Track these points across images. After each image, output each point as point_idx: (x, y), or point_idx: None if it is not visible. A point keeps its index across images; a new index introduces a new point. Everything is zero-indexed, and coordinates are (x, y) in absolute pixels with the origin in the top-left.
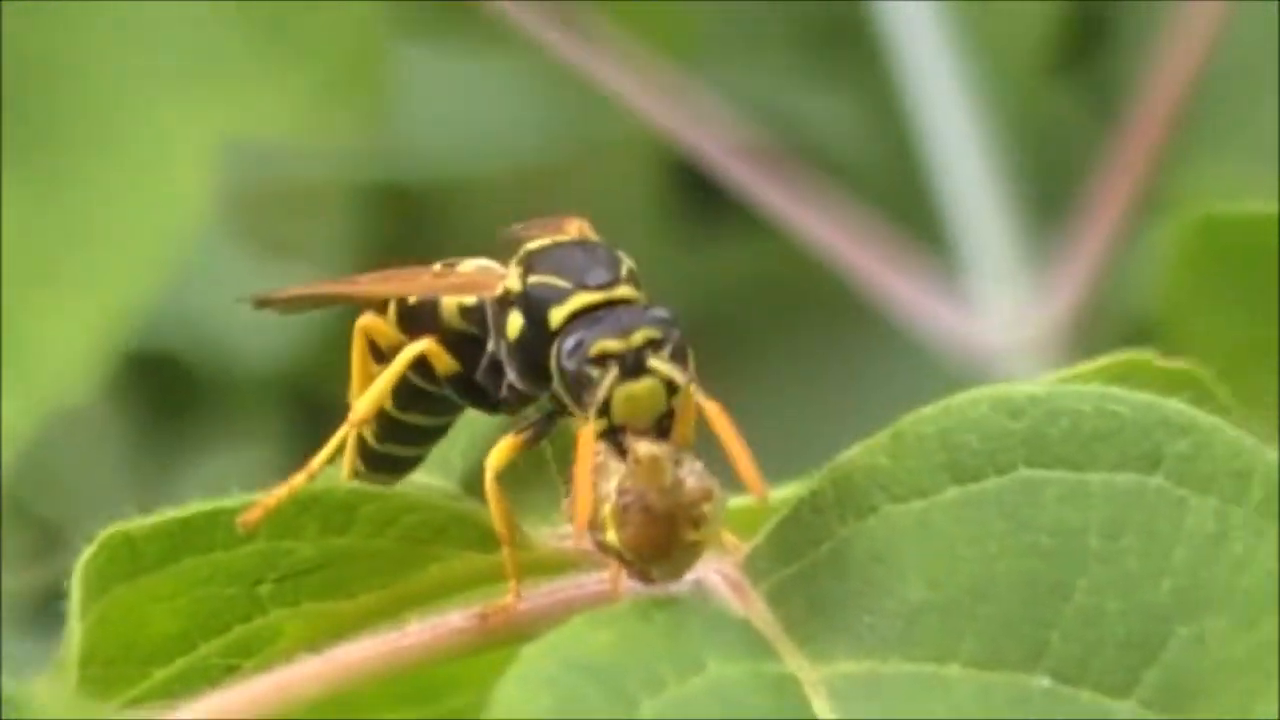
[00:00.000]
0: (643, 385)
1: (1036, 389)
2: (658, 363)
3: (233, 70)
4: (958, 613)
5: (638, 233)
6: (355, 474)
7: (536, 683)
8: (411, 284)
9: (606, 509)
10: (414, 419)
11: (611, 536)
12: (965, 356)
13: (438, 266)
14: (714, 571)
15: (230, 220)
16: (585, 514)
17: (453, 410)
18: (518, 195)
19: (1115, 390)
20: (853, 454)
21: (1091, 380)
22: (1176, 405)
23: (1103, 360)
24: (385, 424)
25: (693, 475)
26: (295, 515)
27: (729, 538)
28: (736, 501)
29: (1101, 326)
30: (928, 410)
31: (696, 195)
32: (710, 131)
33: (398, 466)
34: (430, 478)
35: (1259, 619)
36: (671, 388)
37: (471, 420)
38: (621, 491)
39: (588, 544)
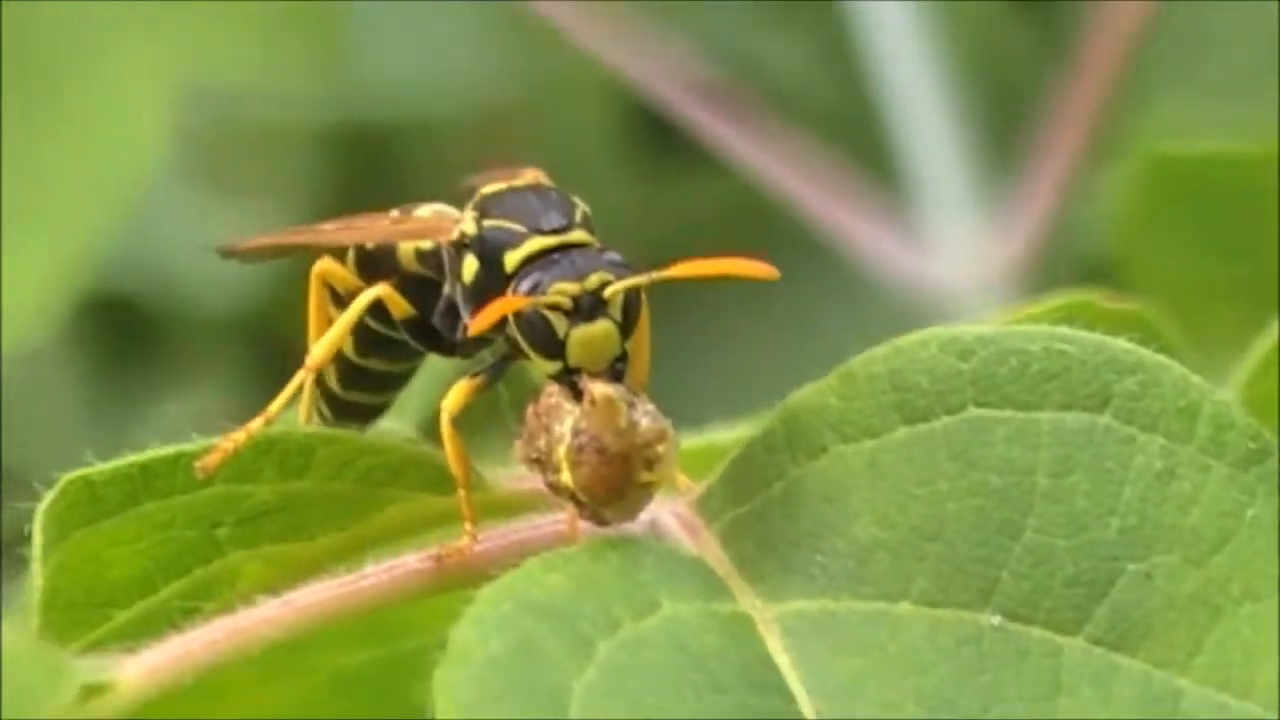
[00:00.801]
0: (597, 327)
1: (985, 330)
2: (612, 306)
3: (186, 12)
4: (908, 552)
5: (595, 171)
6: (324, 422)
7: (491, 623)
8: (371, 231)
9: (561, 450)
10: (375, 365)
11: (566, 478)
12: (919, 295)
13: (395, 213)
14: (668, 512)
15: (189, 162)
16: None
17: (413, 357)
18: (477, 135)
19: (1064, 330)
20: (803, 394)
21: (1040, 321)
22: (1124, 344)
23: (1051, 301)
24: (347, 370)
25: (647, 416)
26: (253, 459)
27: (683, 479)
28: (689, 443)
29: (1055, 265)
30: (878, 351)
31: (654, 134)
32: (667, 70)
33: (363, 414)
34: (391, 423)
35: (1206, 556)
36: (625, 330)
37: (431, 367)
38: (576, 432)
39: (542, 486)
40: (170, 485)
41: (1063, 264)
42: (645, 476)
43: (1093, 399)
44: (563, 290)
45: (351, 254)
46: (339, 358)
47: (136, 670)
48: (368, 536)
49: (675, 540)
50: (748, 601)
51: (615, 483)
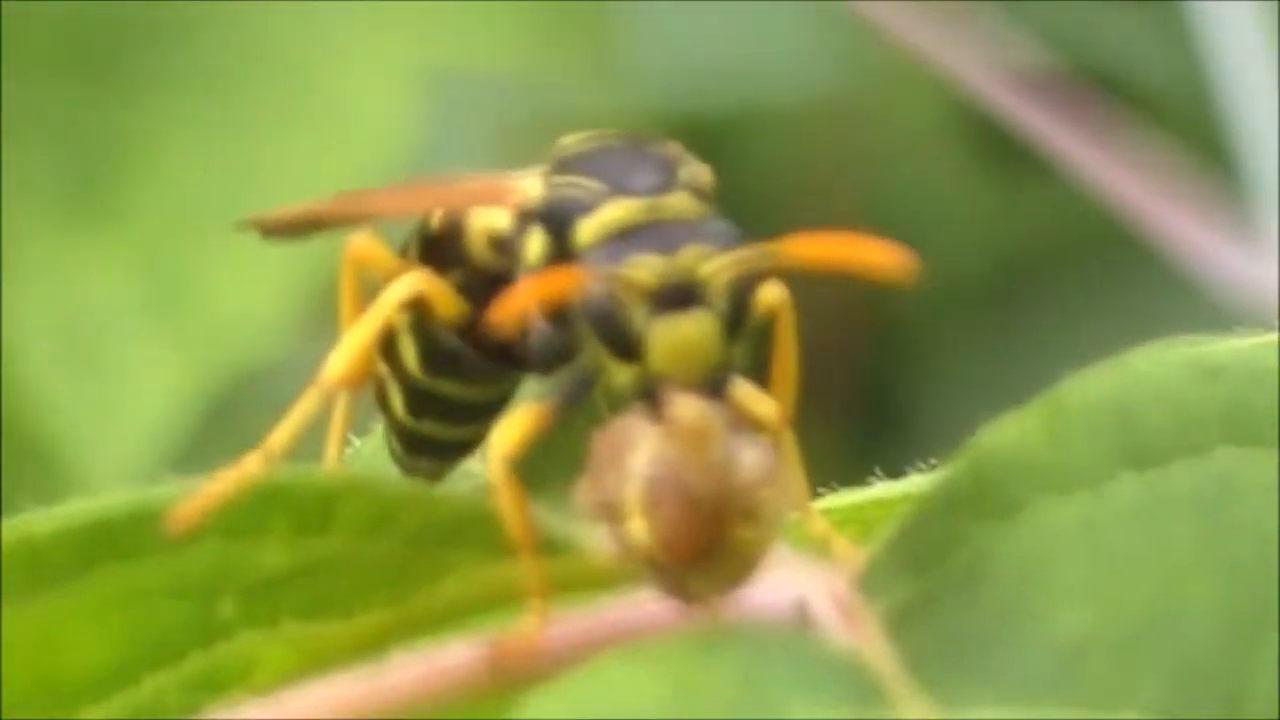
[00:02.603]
0: (690, 320)
1: (1241, 344)
2: (713, 293)
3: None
4: (1134, 649)
5: (926, 167)
6: (396, 461)
7: None
8: (421, 196)
9: (631, 490)
10: (447, 388)
11: (636, 528)
12: (1262, 307)
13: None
14: (821, 590)
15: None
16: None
17: (498, 378)
18: (806, 129)
19: None
20: (998, 430)
21: None
22: None
23: None
24: (414, 394)
25: (751, 450)
26: (258, 510)
27: (843, 545)
28: (849, 496)
29: None
30: (1098, 374)
31: (985, 130)
32: (993, 62)
33: (442, 451)
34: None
35: None
36: (733, 328)
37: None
38: (653, 466)
39: (612, 544)
40: (137, 544)
41: None
42: (743, 532)
43: None
44: (642, 265)
45: (414, 243)
46: (403, 376)
47: None
48: (423, 614)
49: (824, 628)
50: (914, 710)
51: (701, 538)
